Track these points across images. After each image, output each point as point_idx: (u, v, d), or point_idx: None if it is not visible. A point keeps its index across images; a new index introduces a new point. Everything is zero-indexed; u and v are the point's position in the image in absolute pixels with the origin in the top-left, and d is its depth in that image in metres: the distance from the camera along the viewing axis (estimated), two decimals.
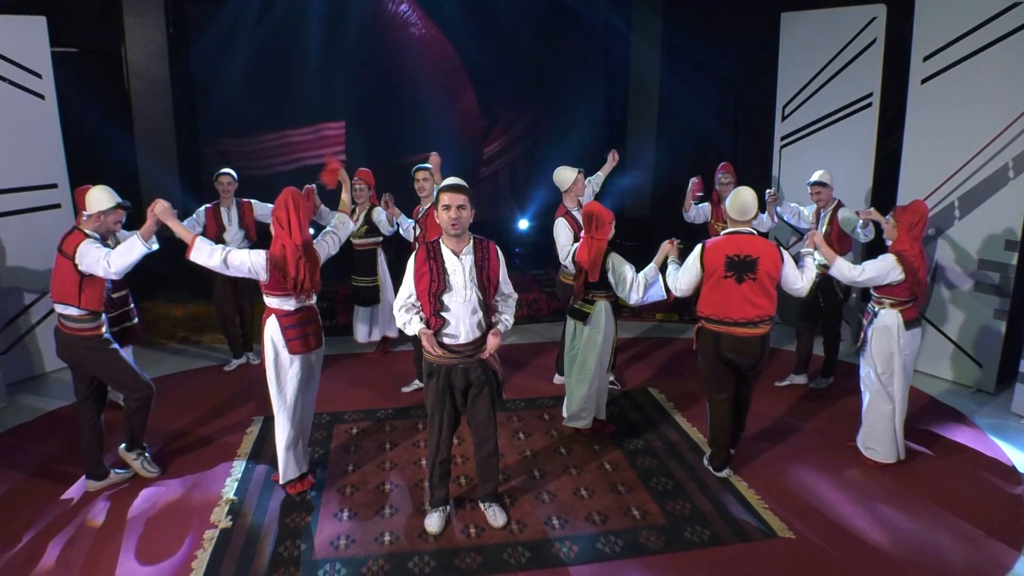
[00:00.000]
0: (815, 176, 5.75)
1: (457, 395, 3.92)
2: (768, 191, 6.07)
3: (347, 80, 8.81)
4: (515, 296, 4.00)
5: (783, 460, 4.85)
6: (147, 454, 4.68)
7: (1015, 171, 5.58)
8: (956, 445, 5.08)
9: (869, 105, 6.53)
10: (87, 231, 4.26)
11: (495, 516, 4.14)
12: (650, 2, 8.64)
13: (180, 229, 4.20)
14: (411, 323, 3.79)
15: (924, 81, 6.02)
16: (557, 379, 6.10)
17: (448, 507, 4.20)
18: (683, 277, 4.45)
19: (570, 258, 5.04)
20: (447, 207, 3.68)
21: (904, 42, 6.12)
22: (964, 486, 4.53)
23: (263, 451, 4.99)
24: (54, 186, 6.32)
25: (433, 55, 9.08)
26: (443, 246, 3.78)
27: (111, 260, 4.13)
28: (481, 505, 4.23)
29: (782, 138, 7.22)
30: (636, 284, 4.64)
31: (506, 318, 3.92)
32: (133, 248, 4.15)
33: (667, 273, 4.61)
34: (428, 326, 3.76)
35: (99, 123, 7.36)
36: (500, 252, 3.89)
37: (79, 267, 4.18)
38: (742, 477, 4.63)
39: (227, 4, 8.29)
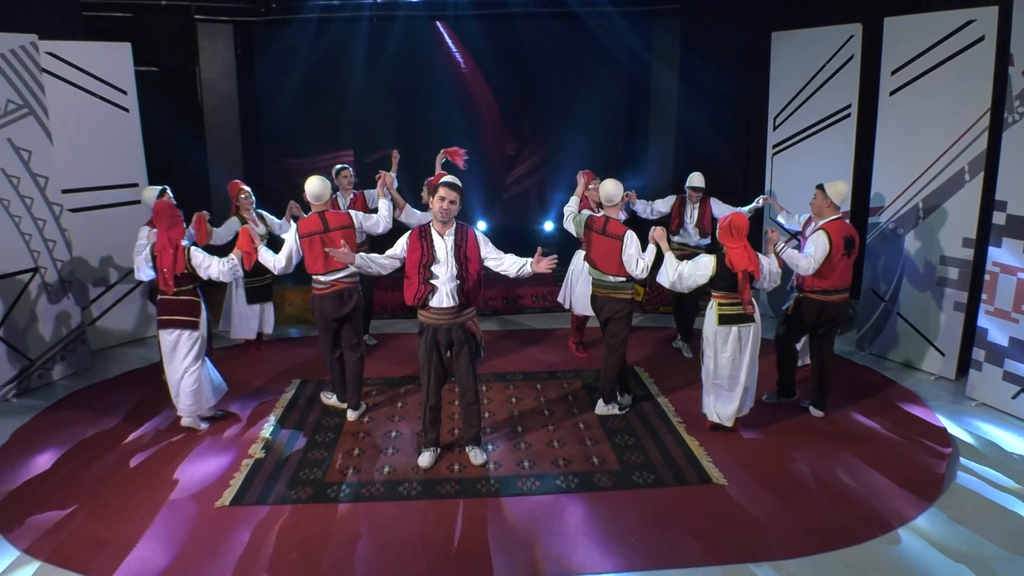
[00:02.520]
0: (696, 181, 6.93)
1: (442, 351, 4.86)
2: (626, 192, 6.62)
3: (389, 104, 9.85)
4: (510, 254, 4.82)
5: (740, 423, 5.59)
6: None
7: (970, 174, 6.16)
8: (901, 420, 5.71)
9: (848, 116, 7.18)
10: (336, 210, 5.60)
11: (476, 456, 5.05)
12: (668, 27, 9.41)
13: (397, 197, 6.15)
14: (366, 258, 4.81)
15: (892, 93, 6.65)
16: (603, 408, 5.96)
17: (438, 449, 5.13)
18: (818, 258, 5.38)
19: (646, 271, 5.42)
20: (443, 199, 4.62)
21: (876, 57, 6.76)
22: (895, 452, 5.19)
23: (296, 406, 6.08)
24: (135, 185, 7.55)
25: (468, 82, 10.07)
26: (432, 229, 4.73)
27: (383, 223, 5.73)
28: (466, 448, 5.15)
29: (774, 146, 7.91)
30: (777, 276, 5.26)
31: (526, 262, 4.73)
32: (390, 211, 5.81)
33: (786, 256, 5.46)
34: (418, 295, 4.71)
35: (175, 133, 8.57)
36: (478, 234, 4.81)
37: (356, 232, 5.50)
38: (696, 437, 5.41)
39: (288, 28, 9.44)
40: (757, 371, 5.34)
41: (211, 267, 5.33)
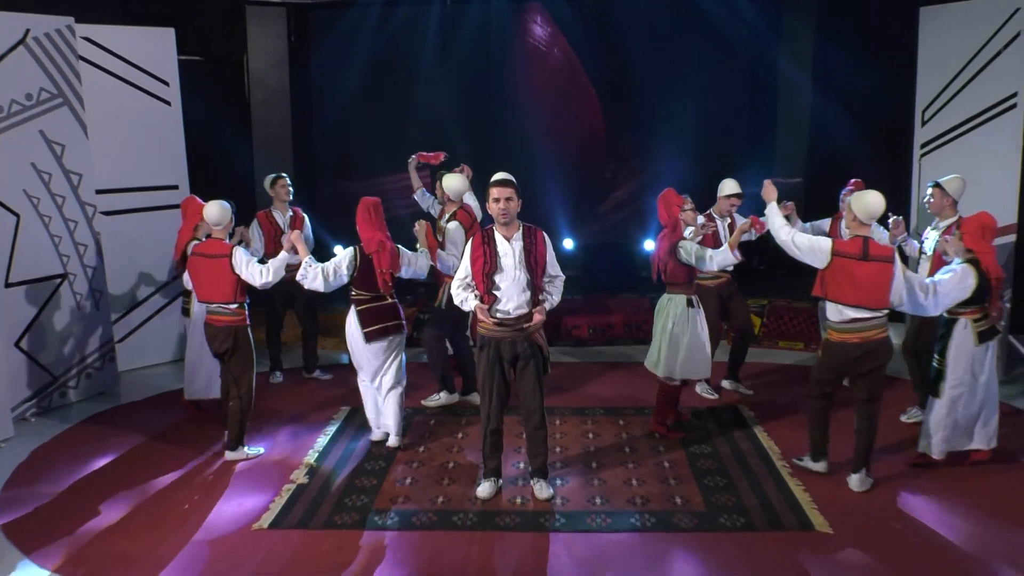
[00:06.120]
0: (732, 187, 7.53)
1: (506, 366, 5.60)
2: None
3: (462, 104, 10.80)
4: (562, 277, 5.66)
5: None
6: None
7: None
8: None
9: (1014, 106, 7.64)
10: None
11: (541, 490, 5.74)
12: (801, 9, 10.08)
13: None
14: (467, 301, 5.57)
15: None
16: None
17: (499, 480, 5.86)
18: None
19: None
20: (496, 200, 5.42)
21: None
22: None
23: (344, 433, 7.01)
24: (175, 187, 8.71)
25: (557, 80, 10.97)
26: (496, 233, 5.51)
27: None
28: (531, 481, 5.84)
29: (922, 145, 8.38)
30: None
31: (554, 298, 5.60)
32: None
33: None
34: (481, 302, 5.48)
35: (219, 130, 9.71)
36: (547, 238, 5.58)
37: None
38: (802, 481, 5.94)
39: (348, 12, 10.55)
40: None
41: (419, 261, 6.52)
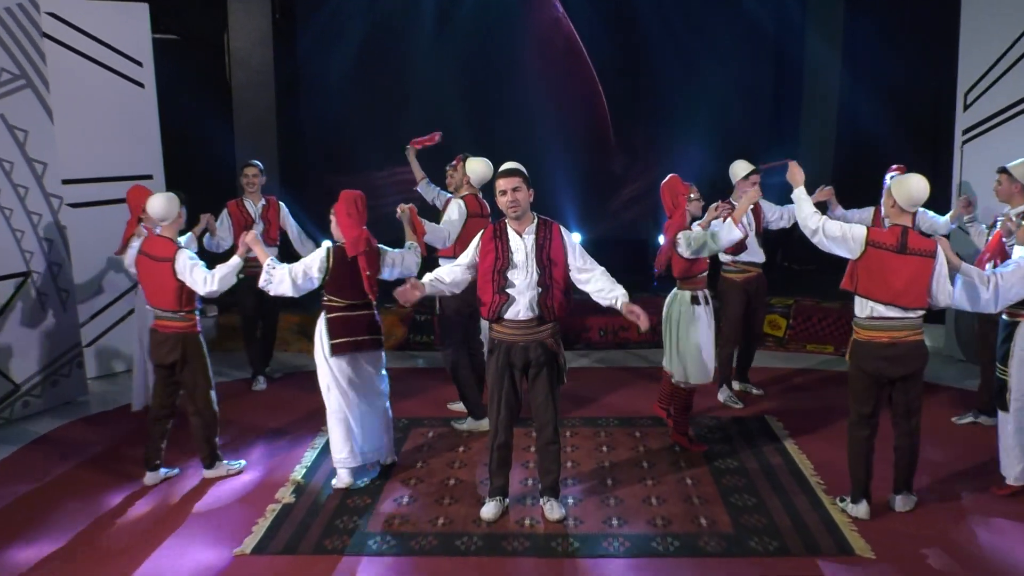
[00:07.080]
0: (745, 167, 7.24)
1: (516, 374, 5.41)
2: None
3: (461, 90, 10.62)
4: (600, 270, 5.38)
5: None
6: None
7: None
8: None
9: None
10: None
11: (552, 510, 5.54)
12: None
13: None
14: (435, 272, 5.44)
15: None
16: None
17: (506, 499, 5.66)
18: None
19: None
20: (503, 192, 5.24)
21: None
22: None
23: None
24: (149, 177, 8.49)
25: (565, 64, 10.84)
26: (508, 227, 5.33)
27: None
28: (540, 500, 5.65)
29: (964, 131, 8.22)
30: None
31: (619, 291, 5.29)
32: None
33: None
34: (491, 306, 5.29)
35: (198, 114, 9.54)
36: (564, 232, 5.37)
37: None
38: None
39: None
40: None
41: (405, 259, 6.13)
